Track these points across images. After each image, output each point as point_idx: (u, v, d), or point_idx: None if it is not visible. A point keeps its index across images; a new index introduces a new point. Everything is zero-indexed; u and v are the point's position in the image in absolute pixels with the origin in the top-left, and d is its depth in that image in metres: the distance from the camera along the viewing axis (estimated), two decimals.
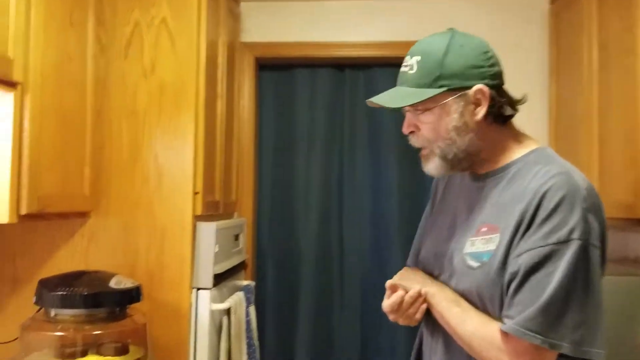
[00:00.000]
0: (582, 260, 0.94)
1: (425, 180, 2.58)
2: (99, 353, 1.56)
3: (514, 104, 1.11)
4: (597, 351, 0.93)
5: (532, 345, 0.93)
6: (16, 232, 1.87)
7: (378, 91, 1.17)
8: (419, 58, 1.08)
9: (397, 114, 1.52)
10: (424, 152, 1.12)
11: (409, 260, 1.32)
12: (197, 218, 1.94)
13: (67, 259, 1.87)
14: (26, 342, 1.54)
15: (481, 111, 1.06)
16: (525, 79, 2.52)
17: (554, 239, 0.95)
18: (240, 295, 2.17)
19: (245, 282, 2.44)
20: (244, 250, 2.51)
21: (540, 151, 1.09)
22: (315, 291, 2.73)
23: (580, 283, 0.94)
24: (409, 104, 1.08)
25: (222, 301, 2.01)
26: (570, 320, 0.93)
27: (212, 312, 1.92)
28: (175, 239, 1.87)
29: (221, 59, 2.25)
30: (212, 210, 2.10)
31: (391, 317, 1.15)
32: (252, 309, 2.32)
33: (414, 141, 1.13)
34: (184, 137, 1.90)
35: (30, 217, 1.50)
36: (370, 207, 2.75)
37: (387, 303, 1.13)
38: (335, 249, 2.76)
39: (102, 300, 1.53)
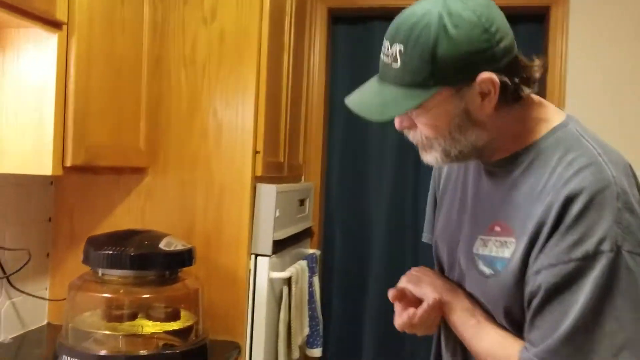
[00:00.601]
0: (616, 275, 0.77)
1: None
2: (148, 317, 1.46)
3: (532, 77, 0.87)
4: None
5: None
6: (75, 187, 1.81)
7: None
8: (401, 48, 0.83)
9: None
10: (424, 146, 0.93)
11: (426, 235, 1.18)
12: (257, 179, 1.79)
13: (123, 217, 1.79)
14: (74, 302, 1.47)
15: (490, 103, 0.84)
16: None
17: (578, 253, 0.78)
18: (303, 264, 2.02)
19: (310, 251, 2.29)
20: (310, 217, 2.36)
21: (562, 129, 0.89)
22: (387, 262, 2.54)
23: (618, 301, 0.77)
24: (398, 114, 0.87)
25: (282, 269, 1.87)
26: (604, 348, 0.77)
27: (271, 281, 1.78)
28: (234, 200, 1.74)
29: (289, 8, 2.06)
30: (274, 172, 1.95)
31: (408, 331, 1.00)
32: (316, 279, 2.18)
33: (411, 136, 0.94)
34: (244, 90, 1.75)
35: (78, 169, 1.40)
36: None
37: (399, 323, 0.99)
38: (409, 218, 2.54)
39: (150, 262, 1.42)
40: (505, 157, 0.92)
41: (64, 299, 1.59)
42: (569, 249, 0.79)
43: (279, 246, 1.84)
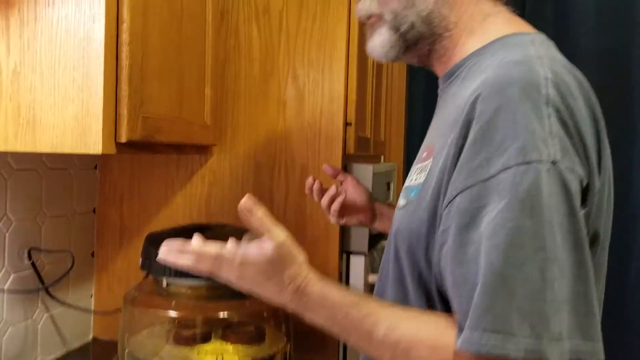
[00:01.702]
0: (544, 192, 0.57)
1: None
2: (225, 338, 1.13)
3: None
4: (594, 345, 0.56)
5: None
6: (124, 171, 1.48)
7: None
8: None
9: None
10: (370, 21, 0.80)
11: None
12: (349, 158, 1.44)
13: (184, 207, 1.46)
14: (130, 317, 1.14)
15: None
16: None
17: (494, 168, 0.59)
18: None
19: None
20: (394, 203, 2.00)
21: (516, 36, 0.71)
22: None
23: (551, 237, 0.56)
24: None
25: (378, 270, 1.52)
26: (540, 304, 0.55)
27: (370, 285, 1.43)
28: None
29: None
30: (363, 149, 1.59)
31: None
32: None
33: (360, 7, 0.80)
34: (332, 48, 1.39)
35: (134, 146, 1.07)
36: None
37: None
38: None
39: None
40: (451, 66, 0.77)
41: (115, 311, 1.27)
42: (481, 164, 0.59)
43: (373, 241, 1.49)
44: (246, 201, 0.75)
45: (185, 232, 1.15)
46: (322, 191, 1.15)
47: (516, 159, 0.58)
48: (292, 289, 0.69)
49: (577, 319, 0.56)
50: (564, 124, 0.60)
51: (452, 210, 0.62)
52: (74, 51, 0.97)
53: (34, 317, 1.28)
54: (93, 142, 0.97)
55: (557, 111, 0.60)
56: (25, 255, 1.24)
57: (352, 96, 1.41)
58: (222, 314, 1.12)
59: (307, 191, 1.18)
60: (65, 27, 0.97)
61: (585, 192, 0.61)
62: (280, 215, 1.40)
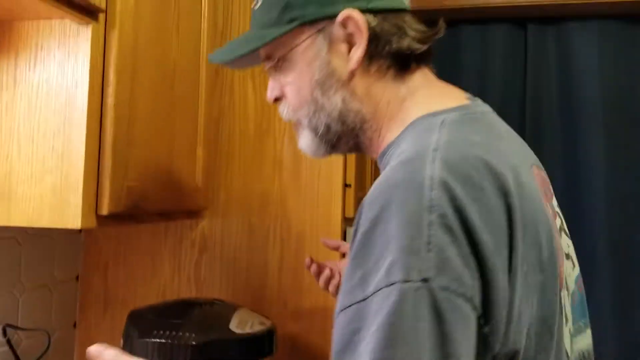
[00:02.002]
0: (409, 317, 0.49)
1: None
2: None
3: (423, 37, 0.71)
4: None
5: None
6: (110, 236, 1.39)
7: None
8: None
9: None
10: (293, 125, 0.78)
11: None
12: (348, 222, 1.36)
13: (172, 276, 1.36)
14: None
15: (356, 53, 0.68)
16: None
17: (369, 289, 0.52)
18: None
19: None
20: None
21: (425, 120, 0.65)
22: None
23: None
24: (240, 53, 0.73)
25: None
26: None
27: None
28: (318, 251, 1.30)
29: None
30: None
31: None
32: None
33: (283, 112, 0.77)
34: None
35: (117, 218, 0.99)
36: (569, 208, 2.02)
37: None
38: None
39: (220, 353, 0.97)
40: (377, 159, 0.74)
41: None
42: (360, 282, 0.53)
43: None
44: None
45: (168, 311, 1.07)
46: (320, 272, 1.06)
47: (385, 279, 0.51)
48: None
49: None
50: (448, 230, 0.51)
51: (335, 327, 0.55)
52: (55, 117, 0.90)
53: None
54: (71, 217, 0.90)
55: (442, 216, 0.52)
56: (0, 332, 1.14)
57: (352, 156, 1.35)
58: None
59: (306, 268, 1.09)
60: (46, 91, 0.91)
61: (486, 305, 0.52)
62: (274, 283, 1.31)
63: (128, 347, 1.00)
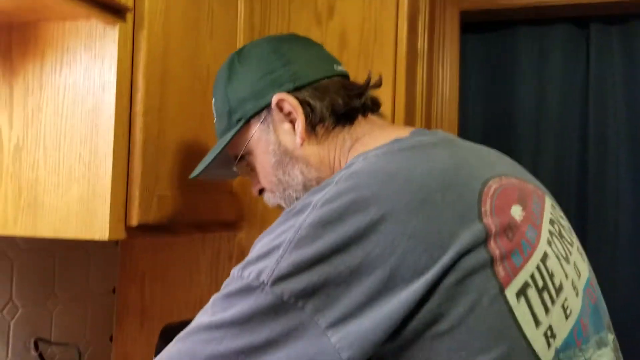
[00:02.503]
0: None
1: None
2: None
3: (357, 92, 0.79)
4: None
5: None
6: (146, 248, 1.35)
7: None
8: (213, 101, 0.87)
9: None
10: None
11: None
12: None
13: (209, 289, 1.31)
14: None
15: (299, 126, 0.77)
16: None
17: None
18: None
19: None
20: None
21: (356, 158, 0.66)
22: None
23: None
24: (208, 162, 0.85)
25: None
26: None
27: None
28: None
29: (423, 5, 1.56)
30: None
31: None
32: None
33: (268, 201, 0.85)
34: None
35: (148, 230, 0.94)
36: (630, 228, 1.85)
37: None
38: None
39: None
40: None
41: None
42: None
43: None
44: None
45: None
46: None
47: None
48: None
49: None
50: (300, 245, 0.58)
51: None
52: (82, 124, 0.86)
53: None
54: (99, 227, 0.85)
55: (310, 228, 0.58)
56: (32, 346, 1.11)
57: None
58: None
59: None
60: (72, 96, 0.87)
61: None
62: None
63: None
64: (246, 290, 0.58)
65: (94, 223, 0.85)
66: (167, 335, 0.99)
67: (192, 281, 1.31)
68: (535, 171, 1.93)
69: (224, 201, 1.18)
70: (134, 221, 0.88)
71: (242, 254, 1.29)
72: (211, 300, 0.63)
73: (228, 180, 1.19)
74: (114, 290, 1.35)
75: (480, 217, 0.59)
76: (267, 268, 0.57)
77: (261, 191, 0.86)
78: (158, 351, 0.98)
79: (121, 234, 0.88)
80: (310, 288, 0.55)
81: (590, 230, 1.87)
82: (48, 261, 1.17)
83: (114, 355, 1.34)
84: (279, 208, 0.83)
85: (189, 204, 1.03)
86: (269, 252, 0.59)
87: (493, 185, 0.64)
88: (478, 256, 0.57)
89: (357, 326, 0.54)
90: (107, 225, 0.85)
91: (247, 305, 0.57)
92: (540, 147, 1.95)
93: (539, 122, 1.96)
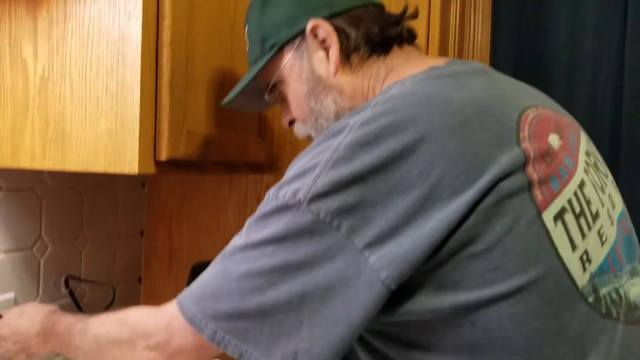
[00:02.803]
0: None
1: None
2: None
3: (393, 20, 0.77)
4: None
5: None
6: (174, 188, 1.34)
7: None
8: (246, 29, 0.85)
9: None
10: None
11: None
12: None
13: (237, 230, 1.29)
14: None
15: (333, 53, 0.75)
16: None
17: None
18: None
19: None
20: None
21: (392, 86, 0.66)
22: None
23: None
24: (239, 89, 0.83)
25: None
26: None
27: None
28: None
29: None
30: None
31: None
32: None
33: (298, 132, 0.83)
34: None
35: (177, 165, 0.92)
36: None
37: None
38: None
39: None
40: None
41: None
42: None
43: None
44: None
45: None
46: None
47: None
48: None
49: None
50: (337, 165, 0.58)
51: None
52: (108, 54, 0.83)
53: None
54: (128, 161, 0.83)
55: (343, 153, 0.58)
56: (62, 283, 1.11)
57: None
58: None
59: None
60: (97, 26, 0.84)
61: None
62: None
63: None
64: (282, 209, 0.58)
65: (123, 156, 0.83)
66: (198, 272, 0.99)
67: (220, 223, 1.31)
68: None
69: (253, 142, 1.15)
70: (163, 156, 0.86)
71: None
72: (246, 223, 0.63)
73: (256, 123, 1.16)
74: (142, 233, 1.35)
75: (518, 142, 0.59)
76: (304, 187, 0.57)
77: (291, 122, 0.85)
78: None
79: (151, 168, 0.86)
80: (347, 207, 0.55)
81: (621, 176, 1.82)
82: (76, 201, 1.16)
83: (142, 296, 1.35)
84: (309, 139, 0.81)
85: (218, 142, 1.00)
86: (305, 172, 0.58)
87: (530, 113, 0.64)
88: (516, 180, 0.57)
89: (396, 246, 0.54)
90: (137, 159, 0.83)
91: (283, 224, 0.57)
92: (570, 103, 1.88)
93: (571, 78, 1.88)
